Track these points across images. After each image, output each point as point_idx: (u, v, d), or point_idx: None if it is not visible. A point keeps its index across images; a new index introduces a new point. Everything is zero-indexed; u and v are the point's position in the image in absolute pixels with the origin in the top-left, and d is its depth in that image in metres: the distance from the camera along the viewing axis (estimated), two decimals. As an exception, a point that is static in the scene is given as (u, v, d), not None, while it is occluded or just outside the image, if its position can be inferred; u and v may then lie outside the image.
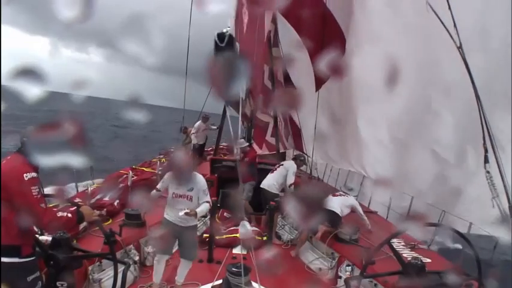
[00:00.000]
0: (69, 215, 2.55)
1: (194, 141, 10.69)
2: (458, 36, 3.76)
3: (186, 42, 9.64)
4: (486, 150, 3.71)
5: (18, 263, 2.42)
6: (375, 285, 3.72)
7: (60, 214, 2.51)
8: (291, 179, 5.60)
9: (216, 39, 2.17)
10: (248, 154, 6.63)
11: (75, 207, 2.67)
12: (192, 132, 10.78)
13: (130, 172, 6.74)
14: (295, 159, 6.10)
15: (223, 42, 2.14)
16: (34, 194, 2.38)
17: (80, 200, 4.77)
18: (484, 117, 3.70)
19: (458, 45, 3.78)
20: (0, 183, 2.31)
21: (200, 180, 3.86)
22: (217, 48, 2.20)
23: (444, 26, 3.84)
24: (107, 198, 5.30)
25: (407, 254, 4.47)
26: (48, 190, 2.74)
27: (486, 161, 3.70)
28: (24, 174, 2.36)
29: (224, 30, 2.24)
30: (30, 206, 2.37)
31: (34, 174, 2.41)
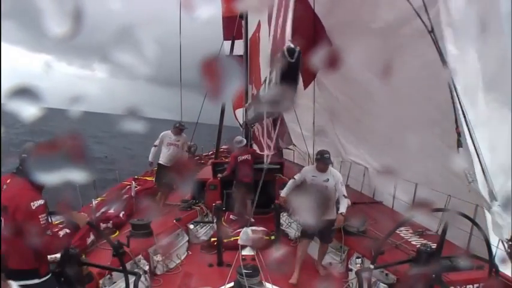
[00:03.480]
0: (67, 230, 2.51)
1: (162, 159, 6.56)
2: (429, 20, 3.62)
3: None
4: (459, 135, 3.55)
5: (39, 283, 2.43)
6: (386, 275, 3.73)
7: (61, 234, 2.47)
8: None
9: (286, 54, 2.13)
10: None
11: (67, 219, 2.64)
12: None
13: (133, 182, 6.75)
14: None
15: (293, 57, 2.11)
16: (42, 222, 2.30)
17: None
18: (459, 101, 3.53)
19: (430, 29, 3.66)
20: (7, 209, 2.28)
21: None
22: (287, 63, 2.14)
23: (414, 9, 3.69)
24: (112, 211, 5.30)
25: (415, 241, 4.47)
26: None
27: (459, 145, 3.54)
28: (32, 203, 2.24)
29: (292, 46, 2.19)
30: (37, 235, 2.29)
31: (41, 202, 2.30)
